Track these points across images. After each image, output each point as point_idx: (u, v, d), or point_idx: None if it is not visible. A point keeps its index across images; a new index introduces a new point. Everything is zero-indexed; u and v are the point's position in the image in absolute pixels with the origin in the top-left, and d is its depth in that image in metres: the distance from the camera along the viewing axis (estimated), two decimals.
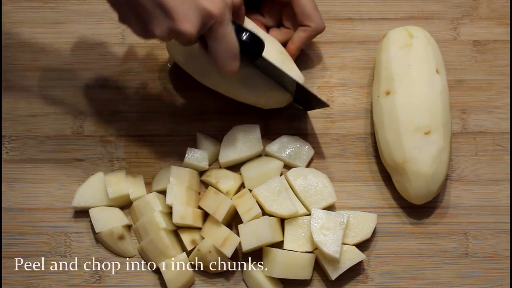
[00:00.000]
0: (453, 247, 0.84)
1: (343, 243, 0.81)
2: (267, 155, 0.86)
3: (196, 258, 0.81)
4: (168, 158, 0.88)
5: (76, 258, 0.84)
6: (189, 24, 0.69)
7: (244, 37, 0.75)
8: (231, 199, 0.81)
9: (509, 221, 0.85)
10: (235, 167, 0.86)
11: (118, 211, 0.84)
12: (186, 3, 0.68)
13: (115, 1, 0.71)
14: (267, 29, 0.88)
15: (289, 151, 0.86)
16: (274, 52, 0.82)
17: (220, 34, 0.72)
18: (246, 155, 0.85)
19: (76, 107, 0.89)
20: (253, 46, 0.76)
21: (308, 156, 0.86)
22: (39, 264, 0.84)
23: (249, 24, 0.83)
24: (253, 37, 0.75)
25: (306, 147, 0.86)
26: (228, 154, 0.85)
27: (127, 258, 0.84)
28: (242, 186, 0.85)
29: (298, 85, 0.81)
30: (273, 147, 0.86)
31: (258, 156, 0.86)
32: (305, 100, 0.86)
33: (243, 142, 0.85)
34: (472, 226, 0.85)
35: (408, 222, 0.85)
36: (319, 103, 0.84)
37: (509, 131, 0.88)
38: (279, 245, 0.81)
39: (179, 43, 0.73)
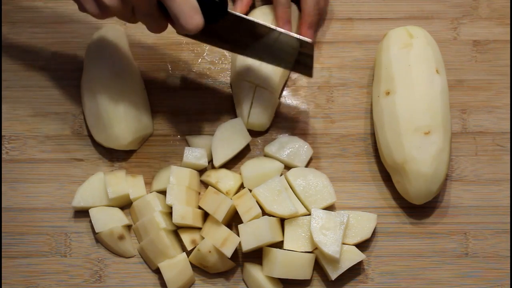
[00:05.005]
0: (453, 247, 0.84)
1: (343, 243, 0.81)
2: (266, 155, 0.86)
3: (196, 258, 0.81)
4: (168, 158, 0.88)
5: (76, 258, 0.84)
6: None
7: None
8: (231, 199, 0.81)
9: (509, 221, 0.85)
10: (235, 167, 0.86)
11: (118, 211, 0.84)
12: None
13: None
14: None
15: (288, 151, 0.86)
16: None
17: None
18: (237, 150, 0.85)
19: (76, 107, 0.89)
20: (215, 1, 0.74)
21: (307, 155, 0.86)
22: (39, 264, 0.84)
23: None
24: None
25: (305, 146, 0.86)
26: (221, 156, 0.85)
27: (127, 258, 0.84)
28: (242, 186, 0.85)
29: (275, 33, 0.79)
30: (272, 147, 0.86)
31: (258, 156, 0.87)
32: (293, 56, 0.82)
33: (230, 139, 0.85)
34: (472, 226, 0.85)
35: (408, 222, 0.85)
36: (305, 49, 0.79)
37: (509, 131, 0.88)
38: (279, 245, 0.81)
39: (143, 20, 0.74)
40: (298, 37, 0.78)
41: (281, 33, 0.78)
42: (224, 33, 0.80)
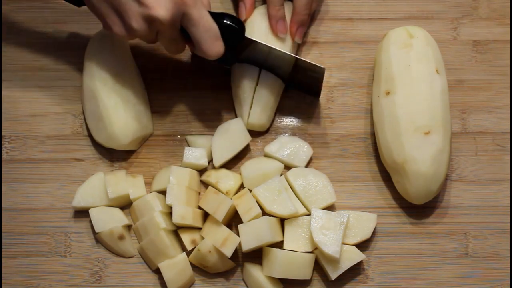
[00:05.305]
0: (453, 247, 0.84)
1: (343, 243, 0.81)
2: (266, 155, 0.86)
3: (196, 258, 0.81)
4: (168, 158, 0.88)
5: (76, 258, 0.84)
6: (162, 10, 0.71)
7: (224, 22, 0.77)
8: (231, 199, 0.81)
9: (509, 221, 0.85)
10: (235, 167, 0.86)
11: (118, 211, 0.84)
12: None
13: (96, 2, 0.74)
14: None
15: (288, 151, 0.86)
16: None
17: (195, 17, 0.74)
18: (237, 150, 0.85)
19: (76, 107, 0.89)
20: (235, 27, 0.78)
21: (307, 156, 0.86)
22: (39, 264, 0.84)
23: None
24: (233, 19, 0.78)
25: (305, 147, 0.86)
26: (221, 156, 0.85)
27: (127, 258, 0.84)
28: (242, 186, 0.85)
29: (290, 59, 0.82)
30: (272, 147, 0.86)
31: (258, 156, 0.87)
32: (302, 77, 0.85)
33: (230, 139, 0.85)
34: (472, 226, 0.85)
35: (408, 222, 0.85)
36: (316, 73, 0.83)
37: (509, 131, 0.88)
38: (279, 245, 0.81)
39: (165, 43, 0.76)
40: (312, 63, 0.81)
41: (294, 57, 0.82)
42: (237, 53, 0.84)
